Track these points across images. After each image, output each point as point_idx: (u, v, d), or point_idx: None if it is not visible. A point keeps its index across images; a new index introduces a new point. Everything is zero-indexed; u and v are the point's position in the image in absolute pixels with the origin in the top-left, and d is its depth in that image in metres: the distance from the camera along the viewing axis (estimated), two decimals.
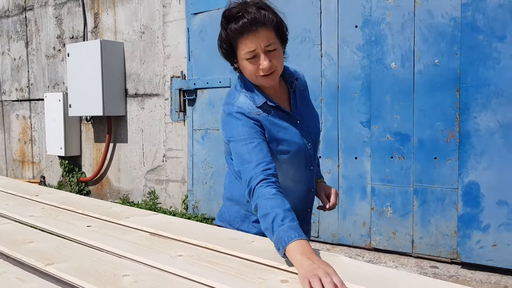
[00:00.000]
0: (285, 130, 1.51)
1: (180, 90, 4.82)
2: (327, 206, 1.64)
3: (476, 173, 3.15)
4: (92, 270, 1.19)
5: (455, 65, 3.19)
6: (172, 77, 4.94)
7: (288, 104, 1.57)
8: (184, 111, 4.84)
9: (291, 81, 1.58)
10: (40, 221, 1.64)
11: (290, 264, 1.21)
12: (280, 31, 1.45)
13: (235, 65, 1.51)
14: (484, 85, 3.08)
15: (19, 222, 1.66)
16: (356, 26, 3.59)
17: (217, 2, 4.40)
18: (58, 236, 1.50)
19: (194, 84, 4.65)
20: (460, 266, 3.31)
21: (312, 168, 1.61)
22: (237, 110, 1.46)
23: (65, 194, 2.12)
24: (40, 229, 1.57)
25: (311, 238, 3.90)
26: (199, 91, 4.65)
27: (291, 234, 1.16)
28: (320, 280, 1.00)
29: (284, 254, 1.17)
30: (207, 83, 4.54)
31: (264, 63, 1.40)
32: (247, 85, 1.51)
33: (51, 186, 6.14)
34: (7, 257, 1.33)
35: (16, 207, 1.86)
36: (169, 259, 1.27)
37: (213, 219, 4.57)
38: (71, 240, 1.45)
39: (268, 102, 1.49)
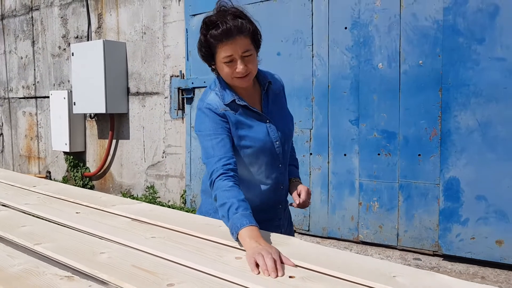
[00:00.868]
0: (250, 127, 1.62)
1: (179, 88, 4.99)
2: (296, 203, 1.69)
3: (456, 170, 3.28)
4: (74, 249, 1.36)
5: (437, 66, 3.32)
6: (171, 76, 5.12)
7: (259, 104, 1.69)
8: (183, 109, 5.01)
9: (264, 83, 1.70)
10: (34, 209, 1.82)
11: None
12: (255, 38, 1.58)
13: (213, 67, 1.63)
14: (464, 85, 3.21)
15: (16, 209, 1.83)
16: (346, 28, 3.73)
17: (214, 4, 4.55)
18: (49, 221, 1.67)
19: (192, 83, 4.82)
20: (442, 258, 3.45)
21: (280, 165, 1.70)
22: (206, 106, 1.60)
23: (60, 186, 2.30)
24: (33, 215, 1.74)
25: (303, 232, 4.06)
26: (196, 90, 4.82)
27: (243, 221, 1.34)
28: (264, 258, 1.17)
29: (237, 238, 1.34)
30: (204, 82, 4.71)
31: (240, 67, 1.53)
32: (221, 84, 1.64)
33: (56, 181, 6.34)
34: (1, 239, 1.50)
35: (14, 196, 2.03)
36: (143, 240, 1.44)
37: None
38: (60, 225, 1.62)
39: (236, 100, 1.61)
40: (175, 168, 5.18)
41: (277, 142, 1.67)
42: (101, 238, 1.47)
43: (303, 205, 1.70)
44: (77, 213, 1.75)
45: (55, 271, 1.19)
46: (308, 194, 1.73)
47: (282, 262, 1.21)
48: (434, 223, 3.42)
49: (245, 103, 1.63)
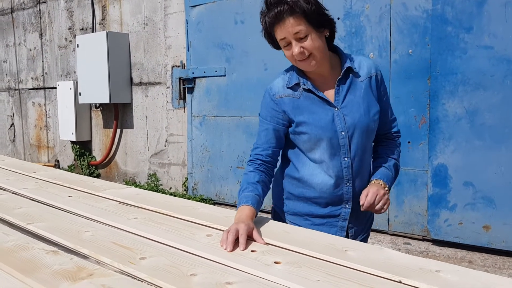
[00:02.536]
0: (311, 113, 1.56)
1: (180, 78, 5.11)
2: (360, 203, 1.55)
3: (444, 156, 3.36)
4: (62, 228, 1.49)
5: (426, 55, 3.39)
6: (173, 67, 5.24)
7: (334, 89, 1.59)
8: (184, 98, 5.14)
9: (343, 68, 1.57)
10: (31, 193, 1.96)
11: (218, 223, 1.50)
12: (312, 18, 1.46)
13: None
14: (452, 73, 3.28)
15: (14, 193, 1.98)
16: (338, 18, 3.80)
17: None
18: (43, 203, 1.81)
19: (193, 73, 4.93)
20: (431, 243, 3.55)
21: (346, 159, 1.57)
22: (268, 89, 1.64)
23: (58, 172, 2.44)
24: (29, 199, 1.88)
25: None
26: (197, 80, 4.94)
27: (242, 200, 1.51)
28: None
29: None
30: (204, 72, 4.82)
31: (295, 49, 1.47)
32: (292, 67, 1.62)
33: (63, 169, 6.53)
34: None
35: (14, 182, 2.18)
36: (125, 220, 1.57)
37: (211, 199, 4.88)
38: (52, 207, 1.76)
39: (301, 83, 1.57)
40: (177, 156, 5.33)
41: (343, 133, 1.55)
42: (88, 219, 1.61)
43: (371, 208, 1.54)
44: (69, 196, 1.89)
45: (43, 247, 1.33)
46: (377, 195, 1.54)
47: (253, 239, 1.34)
48: (423, 208, 3.52)
49: (310, 88, 1.57)
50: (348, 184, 1.60)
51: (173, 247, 1.32)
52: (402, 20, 3.49)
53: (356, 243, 1.36)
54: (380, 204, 1.54)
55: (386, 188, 1.59)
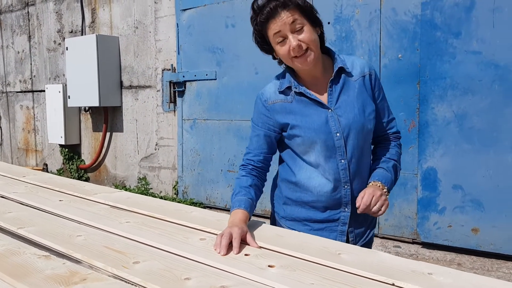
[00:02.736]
0: (304, 116, 1.54)
1: (170, 82, 5.10)
2: (356, 205, 1.50)
3: (434, 160, 3.40)
4: (53, 232, 1.48)
5: (416, 60, 3.43)
6: (163, 70, 5.23)
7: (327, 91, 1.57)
8: (174, 102, 5.12)
9: (335, 68, 1.55)
10: (21, 197, 1.94)
11: (211, 226, 1.50)
12: (306, 12, 1.46)
13: (274, 55, 1.57)
14: (441, 78, 3.32)
15: (3, 197, 1.95)
16: (329, 23, 3.83)
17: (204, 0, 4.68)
18: (34, 208, 1.80)
19: (183, 76, 4.93)
20: (421, 246, 3.58)
21: (342, 161, 1.55)
22: (259, 94, 1.63)
23: (47, 175, 2.42)
24: (19, 203, 1.87)
25: None
26: (187, 83, 4.93)
27: (235, 204, 1.51)
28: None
29: None
30: (195, 75, 4.82)
31: (292, 43, 1.43)
32: (284, 73, 1.61)
33: (52, 173, 6.47)
34: None
35: (4, 186, 2.16)
36: (118, 224, 1.56)
37: (201, 203, 4.87)
38: (43, 211, 1.75)
39: (293, 87, 1.55)
40: (167, 160, 5.31)
41: (338, 134, 1.52)
42: (79, 223, 1.60)
43: (367, 210, 1.48)
44: (60, 201, 1.88)
45: (34, 251, 1.32)
46: (374, 196, 1.48)
47: (246, 243, 1.34)
48: (413, 211, 3.55)
49: (302, 90, 1.54)
50: (346, 186, 1.56)
51: (166, 251, 1.31)
52: (391, 25, 3.53)
53: (349, 246, 1.37)
54: (377, 206, 1.48)
55: (385, 190, 1.54)
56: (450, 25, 3.27)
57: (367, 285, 1.08)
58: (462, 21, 3.23)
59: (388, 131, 1.68)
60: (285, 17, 1.42)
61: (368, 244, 1.68)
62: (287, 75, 1.59)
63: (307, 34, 1.44)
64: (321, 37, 1.56)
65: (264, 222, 1.59)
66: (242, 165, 1.65)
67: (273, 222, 1.75)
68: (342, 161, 1.55)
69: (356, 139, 1.54)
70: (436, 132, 3.38)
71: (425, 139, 3.42)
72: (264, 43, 1.54)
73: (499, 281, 1.11)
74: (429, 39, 3.35)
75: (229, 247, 1.29)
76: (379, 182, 1.55)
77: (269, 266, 1.19)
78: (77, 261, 1.25)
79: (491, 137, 3.17)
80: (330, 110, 1.53)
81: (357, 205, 1.49)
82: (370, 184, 1.56)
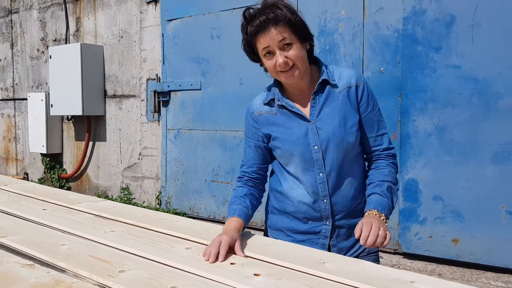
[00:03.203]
0: (285, 128, 1.56)
1: (155, 92, 5.10)
2: (356, 236, 1.40)
3: (415, 171, 3.46)
4: (37, 241, 1.47)
5: (397, 73, 3.50)
6: (148, 80, 5.22)
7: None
8: (159, 111, 5.12)
9: (320, 82, 1.55)
10: (4, 206, 1.92)
11: (196, 236, 1.51)
12: (297, 29, 1.46)
13: (261, 64, 1.58)
14: (422, 91, 3.39)
15: None
16: (313, 36, 3.88)
17: (189, 10, 4.70)
18: (17, 217, 1.78)
19: (168, 86, 4.93)
20: (402, 256, 3.62)
21: (320, 174, 1.54)
22: (248, 107, 1.67)
23: (30, 184, 2.40)
24: (2, 212, 1.85)
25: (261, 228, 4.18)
26: (172, 93, 4.94)
27: (230, 213, 1.55)
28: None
29: None
30: (180, 85, 4.83)
31: (279, 59, 1.45)
32: (273, 83, 1.62)
33: (33, 182, 6.38)
34: None
35: None
36: (102, 233, 1.56)
37: (184, 213, 4.85)
38: (27, 220, 1.73)
39: (277, 99, 1.58)
40: (151, 169, 5.28)
41: (316, 147, 1.53)
42: (64, 232, 1.59)
43: (369, 243, 1.37)
44: (44, 209, 1.86)
45: (18, 260, 1.31)
46: (372, 229, 1.37)
47: (234, 252, 1.36)
48: (395, 222, 3.59)
49: (283, 103, 1.56)
50: (325, 200, 1.56)
51: (152, 260, 1.32)
52: (374, 39, 3.60)
53: (334, 255, 1.39)
54: (378, 238, 1.37)
55: (382, 218, 1.46)
56: (431, 40, 3.35)
57: None
58: (442, 36, 3.31)
59: (378, 147, 1.61)
60: (274, 33, 1.43)
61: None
62: (275, 87, 1.60)
63: (294, 51, 1.45)
64: (311, 49, 1.57)
65: (251, 231, 1.60)
66: (239, 177, 1.70)
67: (266, 232, 1.77)
68: (320, 174, 1.54)
69: (336, 152, 1.52)
70: (417, 144, 3.44)
71: (406, 150, 3.48)
72: (252, 53, 1.56)
73: None
74: (410, 53, 3.42)
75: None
76: (375, 210, 1.47)
77: (254, 274, 1.20)
78: (61, 270, 1.25)
79: (471, 150, 3.25)
80: (310, 123, 1.54)
81: (356, 236, 1.40)
82: (366, 213, 1.48)
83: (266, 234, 1.74)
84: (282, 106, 1.58)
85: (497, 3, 3.12)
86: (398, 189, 1.61)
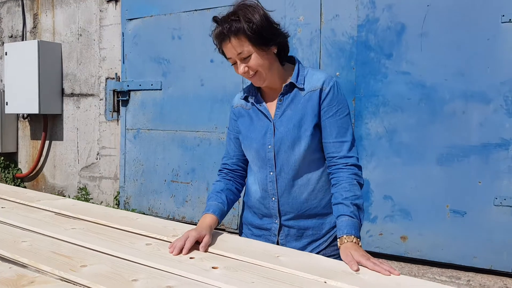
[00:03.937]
0: (251, 125, 1.65)
1: (114, 91, 5.07)
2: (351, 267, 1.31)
3: (367, 172, 3.62)
4: None
5: (352, 78, 3.66)
6: (107, 79, 5.19)
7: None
8: (118, 111, 5.09)
9: (288, 84, 1.58)
10: None
11: (156, 232, 1.57)
12: (256, 38, 1.45)
13: None
14: (374, 96, 3.56)
15: None
16: None
17: (150, 10, 4.71)
18: None
19: (128, 86, 4.92)
20: None
21: (271, 173, 1.60)
22: (232, 100, 1.76)
23: None
24: None
25: (232, 230, 4.25)
26: (132, 93, 4.93)
27: (205, 209, 1.62)
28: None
29: None
30: (140, 85, 4.83)
31: (240, 69, 1.51)
32: None
33: None
34: None
35: None
36: (63, 230, 1.59)
37: (143, 214, 4.85)
38: None
39: (249, 97, 1.67)
40: (109, 169, 5.24)
41: (270, 146, 1.58)
42: (24, 229, 1.61)
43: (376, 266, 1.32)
44: (2, 207, 1.87)
45: None
46: (373, 265, 1.33)
47: (197, 248, 1.43)
48: None
49: (253, 100, 1.65)
50: (273, 199, 1.61)
51: (113, 255, 1.37)
52: (330, 44, 3.75)
53: (288, 250, 1.48)
54: (369, 266, 1.32)
55: (360, 244, 1.42)
56: (383, 47, 3.53)
57: (302, 282, 1.20)
58: (393, 44, 3.50)
59: (335, 154, 1.57)
60: (232, 46, 1.47)
61: None
62: (253, 85, 1.64)
63: (254, 61, 1.48)
64: (284, 48, 1.60)
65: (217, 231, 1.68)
66: (219, 170, 1.77)
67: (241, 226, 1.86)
68: (271, 173, 1.60)
69: (286, 153, 1.55)
70: (369, 146, 3.61)
71: (359, 152, 3.64)
72: (224, 56, 1.58)
73: (417, 279, 1.27)
74: (364, 59, 3.59)
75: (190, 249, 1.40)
76: (352, 236, 1.41)
77: (212, 267, 1.28)
78: (23, 266, 1.28)
79: (418, 152, 3.44)
80: (271, 123, 1.59)
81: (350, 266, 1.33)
82: (344, 239, 1.41)
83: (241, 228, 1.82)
84: (252, 104, 1.66)
85: (444, 14, 3.33)
86: (363, 202, 1.53)
